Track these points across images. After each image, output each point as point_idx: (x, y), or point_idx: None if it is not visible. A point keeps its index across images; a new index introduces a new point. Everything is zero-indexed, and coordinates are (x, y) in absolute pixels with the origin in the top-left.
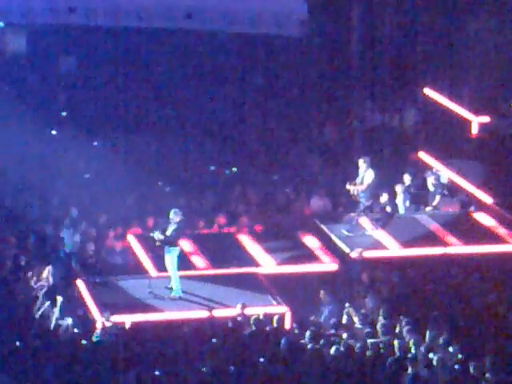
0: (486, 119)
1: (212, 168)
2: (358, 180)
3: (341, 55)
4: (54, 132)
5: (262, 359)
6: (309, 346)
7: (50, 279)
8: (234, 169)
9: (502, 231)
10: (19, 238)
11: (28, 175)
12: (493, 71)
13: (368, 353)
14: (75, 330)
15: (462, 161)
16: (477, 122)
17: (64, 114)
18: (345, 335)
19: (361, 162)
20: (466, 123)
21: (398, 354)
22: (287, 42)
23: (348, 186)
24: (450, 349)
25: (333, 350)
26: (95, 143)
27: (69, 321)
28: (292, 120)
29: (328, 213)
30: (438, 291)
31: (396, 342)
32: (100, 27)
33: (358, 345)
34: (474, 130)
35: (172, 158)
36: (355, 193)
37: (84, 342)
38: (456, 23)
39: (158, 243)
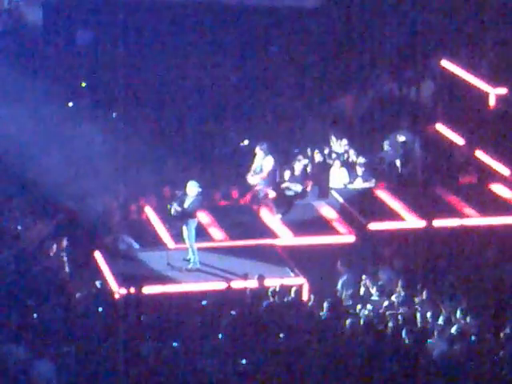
0: (503, 91)
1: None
2: (257, 168)
3: (357, 26)
4: (70, 104)
5: (280, 331)
6: (326, 317)
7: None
8: (246, 141)
9: None
10: (39, 212)
11: (45, 148)
12: (510, 42)
13: (387, 324)
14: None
15: (479, 133)
16: (494, 93)
17: (84, 84)
18: (361, 307)
19: (257, 150)
20: (484, 95)
21: (418, 325)
22: (303, 13)
23: (248, 177)
24: (468, 320)
25: (349, 322)
26: (114, 115)
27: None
28: (308, 92)
29: (344, 185)
30: (454, 263)
31: (417, 314)
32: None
33: (376, 316)
34: (492, 101)
35: (189, 130)
36: (255, 182)
37: (100, 309)
38: None
39: (175, 215)
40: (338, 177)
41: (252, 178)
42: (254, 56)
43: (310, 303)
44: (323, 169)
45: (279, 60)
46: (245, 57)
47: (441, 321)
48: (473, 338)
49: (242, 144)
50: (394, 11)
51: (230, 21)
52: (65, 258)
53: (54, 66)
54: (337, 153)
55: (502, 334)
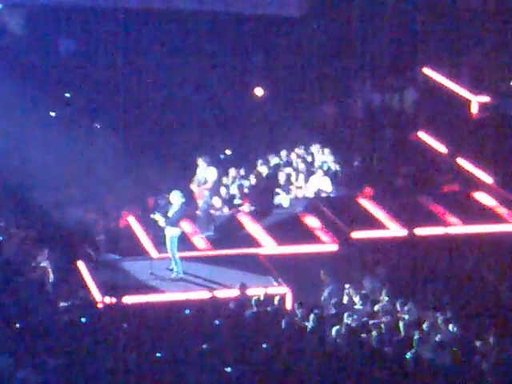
0: (485, 99)
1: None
2: (201, 179)
3: (340, 35)
4: (53, 114)
5: (263, 341)
6: (310, 327)
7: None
8: (228, 151)
9: (502, 211)
10: (22, 221)
11: (28, 157)
12: (492, 50)
13: (370, 334)
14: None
15: (461, 140)
16: (476, 101)
17: (68, 95)
18: (346, 316)
19: (200, 162)
20: (466, 103)
21: (401, 334)
22: (286, 22)
23: (193, 187)
24: (451, 328)
25: (334, 331)
26: (97, 125)
27: None
28: (291, 100)
29: (328, 193)
30: (438, 271)
31: (400, 323)
32: (99, 9)
33: (360, 325)
34: (474, 109)
35: (173, 139)
36: (201, 193)
37: (83, 320)
38: (455, 2)
39: (158, 225)
40: (320, 185)
41: (197, 189)
42: (237, 64)
43: (293, 312)
44: (268, 186)
45: (262, 68)
46: (228, 65)
47: (425, 329)
48: (457, 346)
49: (223, 153)
50: (377, 20)
51: (214, 28)
52: (48, 268)
53: (37, 75)
54: (323, 161)
55: (485, 343)
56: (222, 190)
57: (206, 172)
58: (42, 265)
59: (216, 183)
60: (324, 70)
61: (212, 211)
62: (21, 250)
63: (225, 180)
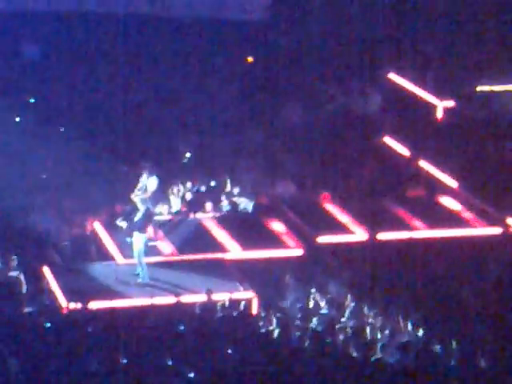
0: (450, 103)
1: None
2: (142, 187)
3: (303, 39)
4: (17, 119)
5: (228, 346)
6: (276, 332)
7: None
8: (188, 154)
9: (467, 215)
10: None
11: None
12: (457, 55)
13: (336, 338)
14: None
15: (426, 145)
16: (442, 106)
17: (32, 100)
18: (311, 320)
19: (144, 170)
20: (431, 108)
21: (367, 338)
22: (251, 26)
23: (132, 196)
24: (417, 332)
25: (299, 335)
26: (61, 129)
27: None
28: (255, 104)
29: (293, 197)
30: (404, 275)
31: (366, 327)
32: (63, 13)
33: (326, 330)
34: (439, 114)
35: (140, 145)
36: (139, 201)
37: (48, 325)
38: (420, 8)
39: (124, 230)
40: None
41: (136, 197)
42: (197, 67)
43: (258, 317)
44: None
45: (223, 72)
46: (190, 68)
47: (390, 333)
48: (422, 349)
49: (186, 157)
50: (341, 25)
51: (176, 32)
52: (14, 274)
53: (1, 80)
54: None
55: (450, 346)
56: (188, 195)
57: (147, 180)
58: (13, 272)
59: (157, 192)
60: (288, 75)
61: (171, 217)
62: None
63: (183, 187)
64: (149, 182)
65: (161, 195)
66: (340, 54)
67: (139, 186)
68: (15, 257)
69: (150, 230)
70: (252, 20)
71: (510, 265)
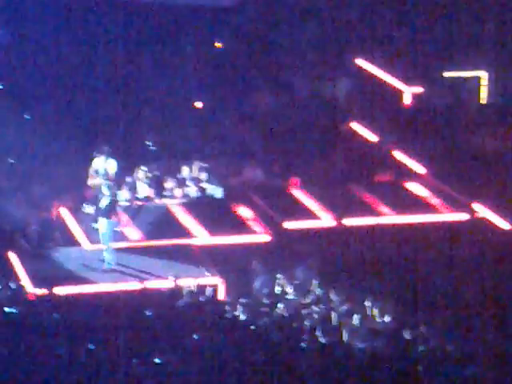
0: (418, 89)
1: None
2: (100, 171)
3: (272, 25)
4: None
5: (194, 331)
6: (241, 317)
7: None
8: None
9: (434, 201)
10: None
11: None
12: (424, 41)
13: (303, 322)
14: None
15: (394, 131)
16: (409, 92)
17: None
18: (278, 306)
19: (98, 154)
20: (399, 94)
21: (333, 323)
22: (219, 12)
23: (90, 181)
24: (385, 318)
25: (265, 321)
26: (27, 116)
27: None
28: (223, 90)
29: (261, 183)
30: (371, 261)
31: (332, 312)
32: None
33: (292, 315)
34: (407, 100)
35: (104, 129)
36: (105, 186)
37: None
38: None
39: (91, 216)
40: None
41: (94, 181)
42: (168, 53)
43: (225, 302)
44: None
45: (192, 58)
46: (158, 54)
47: (356, 318)
48: (389, 335)
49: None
50: (310, 11)
51: (149, 19)
52: None
53: None
54: None
55: (418, 331)
56: (154, 181)
57: (105, 164)
58: None
59: (117, 174)
60: (256, 61)
61: (140, 202)
62: None
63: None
64: (107, 165)
65: (124, 180)
66: (308, 40)
67: (95, 169)
68: None
69: (116, 215)
70: (222, 6)
71: (477, 249)
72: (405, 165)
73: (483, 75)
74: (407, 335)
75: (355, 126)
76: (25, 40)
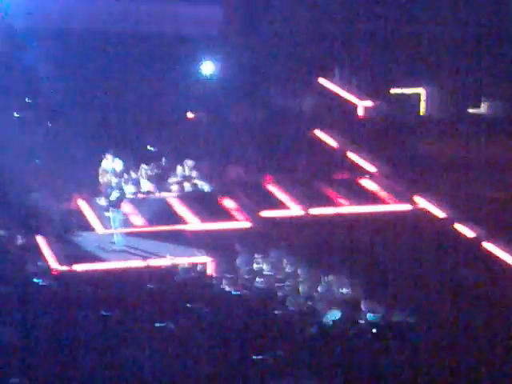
0: (369, 103)
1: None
2: (109, 169)
3: (254, 52)
4: (16, 114)
5: (187, 301)
6: (226, 289)
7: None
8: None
9: (383, 194)
10: None
11: None
12: (375, 63)
13: (276, 294)
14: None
15: (350, 137)
16: (362, 105)
17: (28, 100)
18: (256, 280)
19: (109, 155)
20: (353, 107)
21: (300, 294)
22: (210, 40)
23: (102, 177)
24: (343, 290)
25: (245, 292)
26: (49, 124)
27: None
28: (212, 105)
29: (242, 180)
30: (331, 243)
31: (300, 286)
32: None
33: (267, 288)
34: (360, 112)
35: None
36: (114, 182)
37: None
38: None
39: (103, 206)
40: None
41: (105, 177)
42: (167, 76)
43: (213, 278)
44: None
45: (190, 77)
46: (160, 76)
47: (320, 290)
48: (345, 302)
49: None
50: (284, 43)
51: (147, 45)
52: (15, 243)
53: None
54: None
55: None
56: (155, 178)
57: (113, 164)
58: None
59: (123, 172)
60: (240, 81)
61: (143, 195)
62: None
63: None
64: (115, 165)
65: (130, 177)
66: (281, 65)
67: (105, 168)
68: (17, 228)
69: (124, 205)
70: (209, 34)
71: (417, 233)
72: (358, 165)
73: (422, 92)
74: (361, 304)
75: (318, 133)
76: (49, 64)
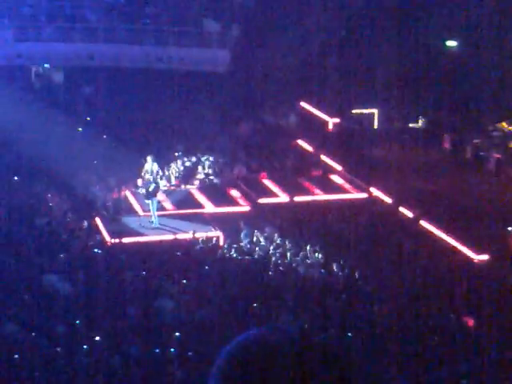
0: (337, 120)
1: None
2: (149, 170)
3: (251, 84)
4: (80, 129)
5: (205, 264)
6: (234, 256)
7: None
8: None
9: (347, 186)
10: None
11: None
12: (340, 91)
13: (270, 259)
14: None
15: (323, 144)
16: (331, 121)
17: (88, 118)
18: (256, 249)
19: (149, 158)
20: (325, 122)
21: (287, 259)
22: (217, 76)
23: (143, 175)
24: (318, 256)
25: (247, 258)
26: (104, 136)
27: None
28: (221, 121)
29: (244, 176)
30: (310, 222)
31: (287, 253)
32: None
33: (263, 255)
34: (330, 126)
35: (151, 143)
36: (151, 178)
37: (99, 252)
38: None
39: (144, 195)
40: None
41: (146, 175)
42: (184, 102)
43: (224, 247)
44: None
45: (202, 106)
46: (182, 102)
47: (301, 256)
48: (320, 265)
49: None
50: (272, 74)
51: (164, 79)
52: (80, 223)
53: (71, 109)
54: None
55: (340, 265)
56: (181, 174)
57: (152, 165)
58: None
59: (157, 172)
60: (241, 104)
61: (170, 187)
62: (61, 212)
63: (176, 168)
64: (153, 166)
65: (163, 174)
66: (272, 93)
67: (145, 169)
68: (81, 213)
69: (159, 195)
70: (218, 72)
71: (371, 215)
72: (329, 165)
73: (375, 111)
74: (332, 266)
75: (300, 142)
76: (106, 94)
